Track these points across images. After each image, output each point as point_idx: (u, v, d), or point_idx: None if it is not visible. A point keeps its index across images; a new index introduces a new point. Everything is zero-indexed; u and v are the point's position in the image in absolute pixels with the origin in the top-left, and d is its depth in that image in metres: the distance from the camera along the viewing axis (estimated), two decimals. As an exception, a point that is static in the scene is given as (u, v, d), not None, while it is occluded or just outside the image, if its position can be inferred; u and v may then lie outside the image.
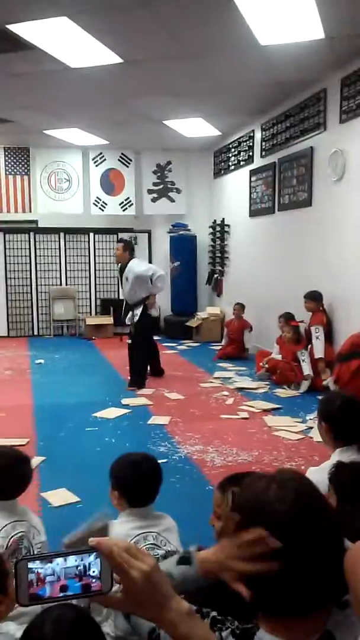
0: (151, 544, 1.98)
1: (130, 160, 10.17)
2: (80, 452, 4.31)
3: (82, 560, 0.90)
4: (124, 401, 5.70)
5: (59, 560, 0.90)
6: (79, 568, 0.90)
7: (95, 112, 7.54)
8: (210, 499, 1.68)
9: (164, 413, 5.33)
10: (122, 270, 6.64)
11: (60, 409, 5.51)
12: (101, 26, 4.78)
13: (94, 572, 0.90)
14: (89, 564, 0.90)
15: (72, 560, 0.90)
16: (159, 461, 2.23)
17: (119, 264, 6.83)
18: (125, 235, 10.58)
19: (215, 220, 10.15)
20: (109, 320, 10.26)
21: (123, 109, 7.36)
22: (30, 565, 0.88)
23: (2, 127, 8.27)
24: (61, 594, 0.89)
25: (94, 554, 0.90)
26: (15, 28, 4.76)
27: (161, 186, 10.35)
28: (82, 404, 5.64)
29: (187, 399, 5.90)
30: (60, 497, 3.42)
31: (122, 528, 2.02)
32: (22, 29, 4.80)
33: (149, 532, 2.02)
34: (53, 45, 5.17)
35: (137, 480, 2.07)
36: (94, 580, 0.90)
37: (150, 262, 10.65)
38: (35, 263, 10.48)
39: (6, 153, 9.81)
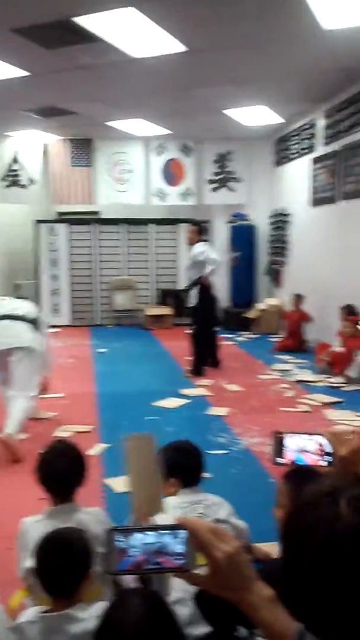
0: (199, 513, 2.12)
1: (192, 150, 10.15)
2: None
3: (175, 534, 0.92)
4: (183, 391, 5.73)
5: (152, 533, 0.92)
6: (167, 543, 0.92)
7: (158, 102, 7.56)
8: (271, 491, 1.67)
9: (223, 404, 5.34)
10: None
11: (122, 398, 5.60)
12: (167, 15, 4.78)
13: (179, 548, 0.92)
14: (176, 540, 0.92)
15: (164, 534, 0.92)
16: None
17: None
18: (185, 226, 10.63)
19: (275, 210, 10.02)
20: (168, 310, 10.33)
21: (185, 98, 7.35)
22: (119, 536, 0.91)
23: (66, 119, 8.41)
24: (150, 567, 0.92)
25: (182, 531, 0.92)
26: (81, 20, 4.83)
27: (222, 176, 10.29)
28: (143, 392, 5.71)
29: (246, 390, 5.87)
30: (124, 483, 3.47)
31: (173, 501, 2.17)
32: (88, 21, 4.86)
33: (197, 504, 2.17)
34: (118, 36, 5.21)
35: (188, 465, 2.32)
36: (179, 557, 0.92)
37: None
38: (98, 254, 10.66)
39: (71, 145, 9.99)
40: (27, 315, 4.35)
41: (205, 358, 6.68)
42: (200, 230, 6.83)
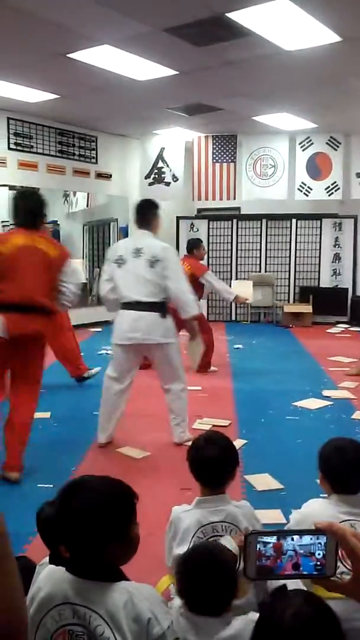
0: None
1: (340, 143, 9.77)
2: (282, 440, 4.28)
3: (317, 539, 0.89)
4: (325, 392, 5.54)
5: (294, 537, 0.90)
6: (312, 547, 0.89)
7: (307, 95, 7.36)
8: None
9: (368, 408, 5.08)
10: None
11: (260, 395, 5.54)
12: (321, 5, 4.62)
13: (319, 554, 0.89)
14: (316, 544, 0.89)
15: (306, 539, 0.90)
16: None
17: None
18: (329, 221, 10.29)
19: None
20: (308, 308, 10.07)
21: (336, 90, 7.08)
22: (262, 538, 0.89)
23: (212, 115, 8.49)
24: (293, 572, 0.89)
25: (324, 535, 0.89)
26: (233, 15, 4.82)
27: (371, 169, 9.79)
28: (282, 391, 5.60)
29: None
30: (263, 482, 3.43)
31: (329, 510, 1.97)
32: (241, 16, 4.84)
33: (357, 520, 1.93)
34: (269, 30, 5.14)
35: (341, 466, 2.01)
36: (319, 563, 0.89)
37: (354, 249, 10.25)
38: (237, 249, 10.67)
39: (214, 141, 10.07)
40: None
41: None
42: None
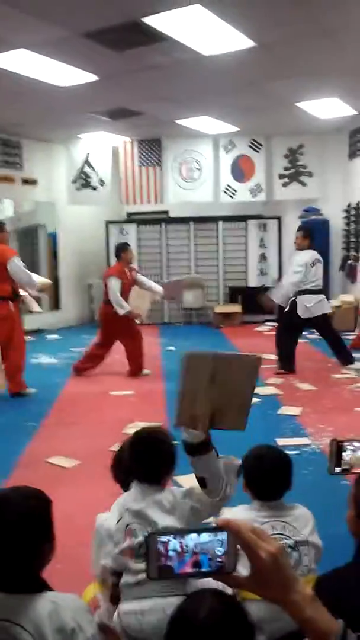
0: (279, 533, 1.96)
1: (261, 145, 10.02)
2: (216, 440, 4.33)
3: (215, 536, 0.91)
4: (254, 390, 5.65)
5: (192, 535, 0.91)
6: (210, 545, 0.91)
7: (227, 98, 7.51)
8: (344, 494, 1.60)
9: (294, 404, 5.22)
10: None
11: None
12: (234, 11, 4.73)
13: (219, 551, 0.91)
14: (215, 542, 0.91)
15: (205, 537, 0.91)
16: (291, 453, 2.18)
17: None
18: (254, 222, 10.53)
19: (349, 204, 9.73)
20: (237, 308, 10.26)
21: (255, 93, 7.26)
22: (161, 538, 0.90)
23: (135, 119, 8.51)
24: (193, 570, 0.91)
25: (223, 532, 0.91)
26: (149, 20, 4.86)
27: (292, 170, 10.08)
28: (213, 391, 5.67)
29: (319, 390, 5.73)
30: (192, 482, 3.46)
31: (249, 514, 2.02)
32: (156, 21, 4.89)
33: (277, 520, 2.00)
34: (186, 35, 5.22)
35: (260, 475, 2.06)
36: (219, 560, 0.91)
37: (279, 248, 10.51)
38: (167, 252, 10.73)
39: (140, 145, 10.09)
40: None
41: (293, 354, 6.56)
42: (309, 235, 6.60)
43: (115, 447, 3.94)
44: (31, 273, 5.73)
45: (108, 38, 5.22)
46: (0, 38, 5.18)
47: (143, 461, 2.04)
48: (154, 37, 5.21)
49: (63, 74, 6.22)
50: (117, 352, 6.64)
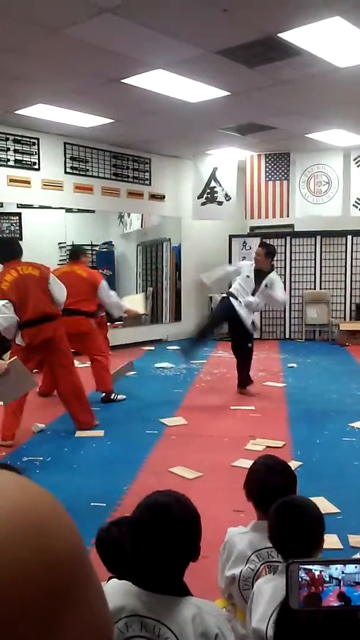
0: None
1: None
2: (338, 462, 4.18)
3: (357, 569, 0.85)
4: (384, 413, 5.38)
5: (337, 566, 0.86)
6: (356, 577, 0.85)
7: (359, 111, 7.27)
8: None
9: None
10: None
11: (315, 415, 5.43)
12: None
13: None
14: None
15: (351, 568, 0.86)
16: None
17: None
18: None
19: None
20: (364, 326, 9.84)
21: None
22: (304, 567, 0.86)
23: (264, 134, 8.50)
24: (339, 603, 0.85)
25: None
26: (285, 35, 4.83)
27: None
28: (337, 411, 5.48)
29: None
30: (319, 505, 3.34)
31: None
32: (292, 36, 4.85)
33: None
34: (321, 48, 5.13)
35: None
36: None
37: None
38: (291, 267, 10.57)
39: (267, 159, 10.06)
40: None
41: None
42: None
43: (238, 463, 3.95)
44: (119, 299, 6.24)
45: (241, 54, 5.27)
46: (140, 60, 5.42)
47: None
48: (288, 51, 5.18)
49: (194, 91, 6.36)
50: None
